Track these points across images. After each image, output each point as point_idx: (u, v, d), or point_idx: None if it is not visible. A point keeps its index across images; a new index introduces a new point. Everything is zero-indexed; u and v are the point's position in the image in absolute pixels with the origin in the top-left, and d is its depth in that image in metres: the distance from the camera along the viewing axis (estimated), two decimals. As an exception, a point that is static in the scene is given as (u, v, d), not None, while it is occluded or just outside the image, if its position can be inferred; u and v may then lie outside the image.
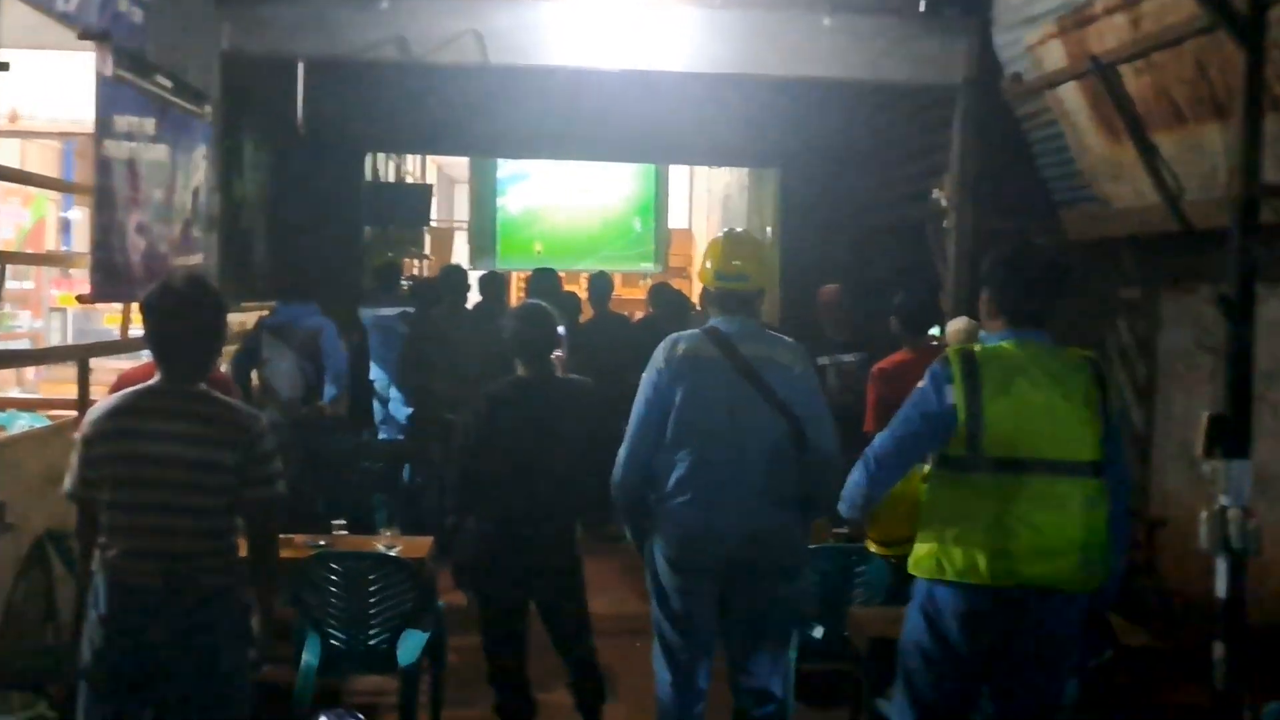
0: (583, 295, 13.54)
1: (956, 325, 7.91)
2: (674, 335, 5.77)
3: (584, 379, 6.69)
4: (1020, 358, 4.59)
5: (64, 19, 6.55)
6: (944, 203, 10.20)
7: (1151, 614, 7.15)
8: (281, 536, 7.06)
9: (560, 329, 6.72)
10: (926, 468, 4.77)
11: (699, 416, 5.56)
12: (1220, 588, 5.71)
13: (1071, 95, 8.87)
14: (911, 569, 4.72)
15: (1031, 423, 4.50)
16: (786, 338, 5.85)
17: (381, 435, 11.53)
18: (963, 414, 4.47)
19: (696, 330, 5.77)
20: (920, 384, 4.63)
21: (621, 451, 5.68)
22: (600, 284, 12.63)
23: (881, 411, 7.19)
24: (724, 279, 5.75)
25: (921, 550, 4.64)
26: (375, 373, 11.50)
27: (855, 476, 4.73)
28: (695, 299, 14.26)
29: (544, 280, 11.38)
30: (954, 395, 4.50)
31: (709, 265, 5.81)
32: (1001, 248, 4.84)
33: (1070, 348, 4.75)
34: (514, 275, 20.41)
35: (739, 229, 6.48)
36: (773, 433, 5.55)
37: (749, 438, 5.54)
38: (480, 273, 13.39)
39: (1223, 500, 5.66)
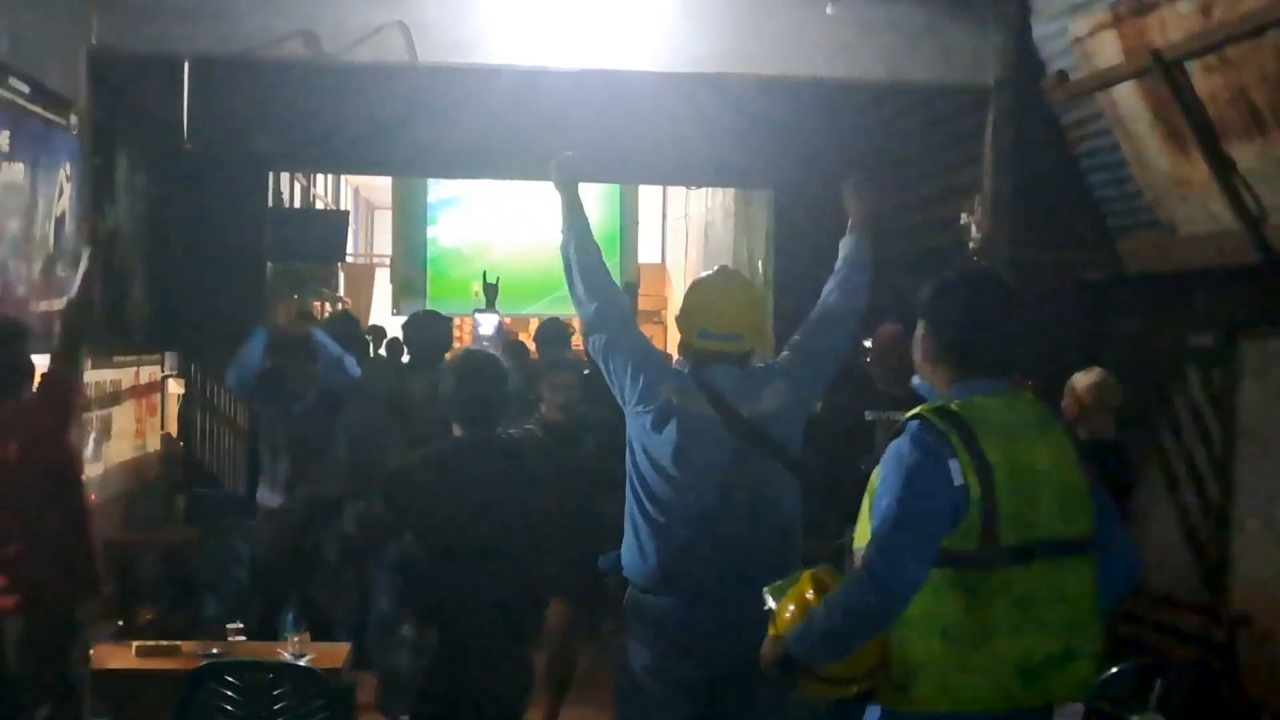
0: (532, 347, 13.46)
1: (1088, 378, 7.93)
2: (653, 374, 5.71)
3: (535, 434, 6.65)
4: (1006, 414, 4.39)
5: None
6: (974, 229, 10.25)
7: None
8: (165, 644, 7.11)
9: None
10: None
11: (689, 485, 5.52)
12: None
13: (1128, 98, 8.94)
14: (893, 703, 4.32)
15: (1039, 496, 4.30)
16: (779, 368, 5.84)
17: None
18: (976, 495, 4.18)
19: (682, 372, 5.73)
20: (906, 463, 4.23)
21: None
22: (551, 334, 12.23)
23: None
24: (709, 337, 5.69)
25: (918, 678, 4.25)
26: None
27: (867, 598, 4.20)
28: (673, 349, 14.20)
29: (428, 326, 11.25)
30: (963, 472, 4.20)
31: (690, 316, 5.77)
32: (953, 275, 4.72)
33: (1024, 393, 4.59)
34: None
35: (728, 268, 6.47)
36: (789, 506, 5.60)
37: (759, 518, 5.53)
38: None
39: (1320, 590, 5.68)
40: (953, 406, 4.32)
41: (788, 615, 4.30)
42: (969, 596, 4.18)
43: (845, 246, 6.07)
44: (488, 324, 10.01)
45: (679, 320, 5.85)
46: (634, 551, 5.60)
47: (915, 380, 4.70)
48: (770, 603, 4.39)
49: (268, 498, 9.19)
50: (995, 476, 4.20)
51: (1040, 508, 4.26)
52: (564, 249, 5.83)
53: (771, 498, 5.52)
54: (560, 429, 8.20)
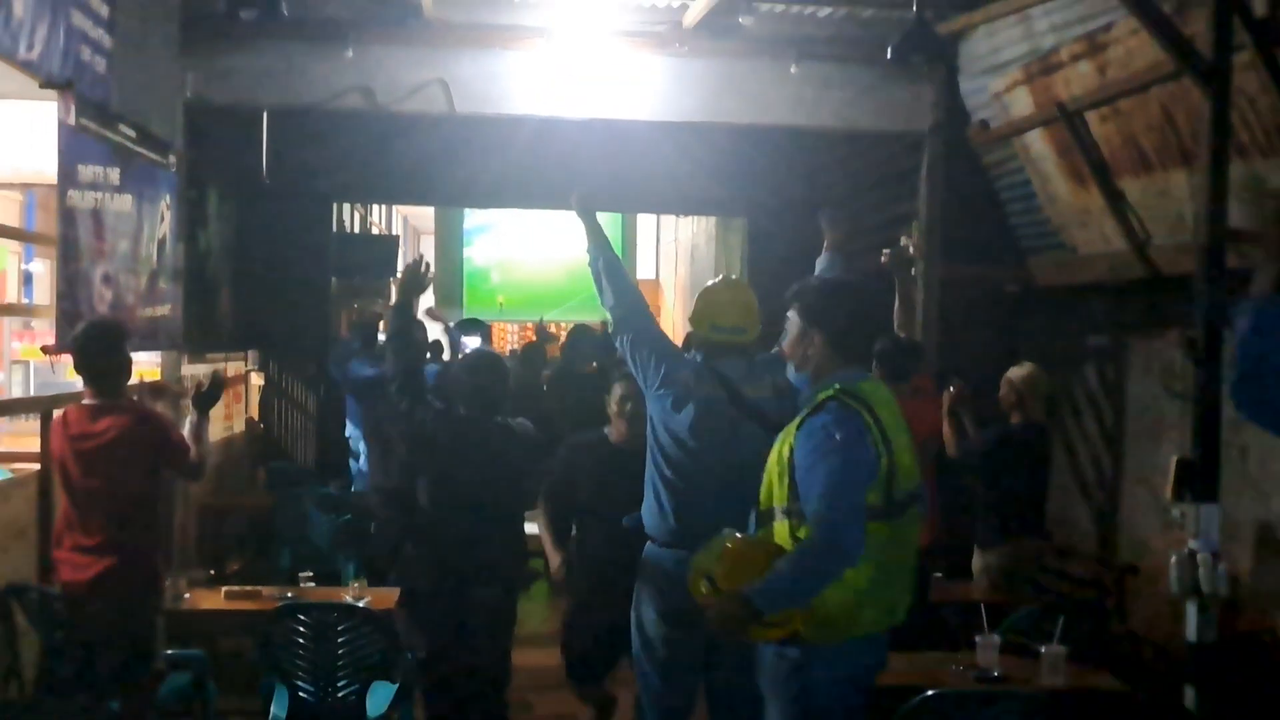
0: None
1: (1021, 371, 7.92)
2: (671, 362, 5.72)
3: (527, 424, 6.63)
4: (880, 393, 4.55)
5: (26, 67, 6.55)
6: (912, 250, 10.26)
7: (1122, 660, 7.18)
8: (248, 589, 7.12)
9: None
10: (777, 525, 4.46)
11: (702, 453, 5.54)
12: (1190, 632, 5.75)
13: (1038, 142, 8.97)
14: (814, 638, 4.36)
15: (905, 455, 4.46)
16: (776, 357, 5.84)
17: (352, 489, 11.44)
18: (885, 461, 4.33)
19: (697, 362, 5.75)
20: (835, 435, 4.27)
21: None
22: (580, 337, 12.20)
23: None
24: (719, 330, 5.73)
25: (836, 614, 4.33)
26: (350, 429, 11.45)
27: (831, 552, 4.22)
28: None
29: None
30: (873, 442, 4.33)
31: (702, 314, 5.79)
32: (853, 289, 4.79)
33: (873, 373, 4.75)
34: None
35: (731, 277, 6.52)
36: None
37: (756, 482, 5.52)
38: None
39: (1192, 544, 5.71)
40: (853, 389, 4.41)
41: (720, 571, 4.35)
42: (872, 541, 4.25)
43: (821, 263, 6.11)
44: (472, 342, 10.22)
45: (693, 318, 5.86)
46: (654, 512, 5.62)
47: (791, 374, 4.74)
48: (701, 571, 4.41)
49: (382, 479, 9.19)
50: (892, 444, 4.35)
51: (907, 465, 4.43)
52: (592, 264, 5.85)
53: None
54: (628, 448, 6.51)
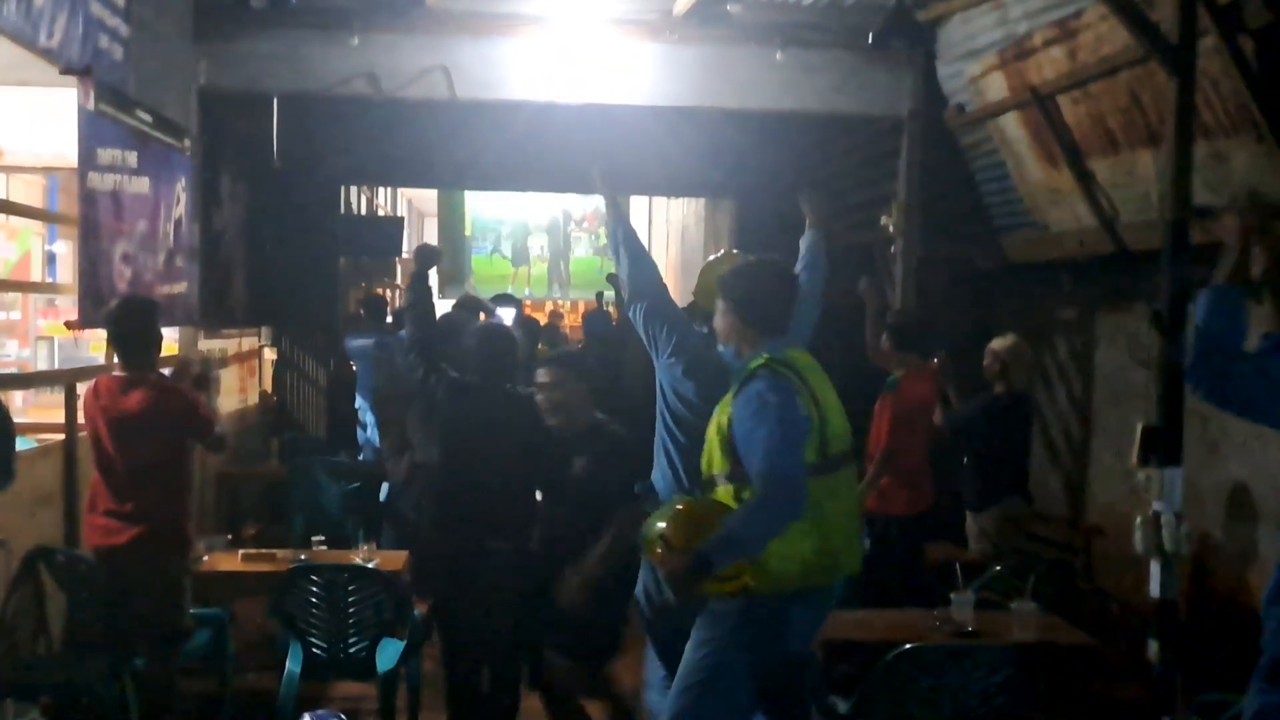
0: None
1: (1005, 342, 7.93)
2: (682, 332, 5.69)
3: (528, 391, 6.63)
4: (808, 360, 4.66)
5: (46, 55, 6.58)
6: (891, 229, 10.32)
7: (1089, 616, 7.24)
8: (264, 551, 7.17)
9: None
10: (721, 488, 4.53)
11: (711, 415, 5.54)
12: (1154, 589, 5.80)
13: (1012, 125, 8.99)
14: (764, 588, 4.40)
15: (838, 417, 4.56)
16: None
17: (360, 457, 11.50)
18: (816, 421, 4.43)
19: (704, 331, 5.71)
20: (770, 400, 4.36)
21: None
22: (593, 318, 12.24)
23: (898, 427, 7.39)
24: None
25: (786, 567, 4.38)
26: (359, 400, 11.48)
27: (781, 504, 4.28)
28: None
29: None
30: (804, 405, 4.42)
31: (706, 286, 5.75)
32: (746, 265, 4.82)
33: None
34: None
35: (733, 251, 6.55)
36: None
37: None
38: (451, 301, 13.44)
39: (1156, 506, 5.75)
40: (781, 357, 4.52)
41: (673, 532, 4.38)
42: (810, 497, 4.30)
43: (805, 242, 6.12)
44: (507, 316, 10.22)
45: (697, 292, 5.91)
46: (666, 474, 5.59)
47: (721, 348, 4.80)
48: (655, 534, 4.44)
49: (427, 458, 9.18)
50: (822, 405, 4.46)
51: (837, 425, 4.54)
52: (611, 235, 5.89)
53: None
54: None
